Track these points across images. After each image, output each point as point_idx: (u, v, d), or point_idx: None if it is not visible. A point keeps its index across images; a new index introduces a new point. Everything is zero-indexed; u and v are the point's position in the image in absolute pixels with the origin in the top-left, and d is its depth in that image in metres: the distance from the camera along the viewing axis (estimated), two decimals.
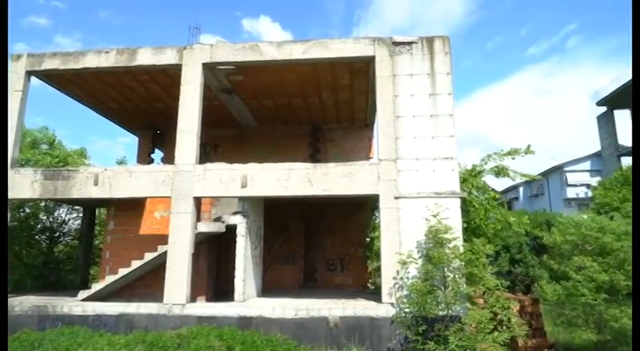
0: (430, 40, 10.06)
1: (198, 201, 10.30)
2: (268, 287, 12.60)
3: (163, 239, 10.08)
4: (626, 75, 24.50)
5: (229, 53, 10.38)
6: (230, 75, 11.35)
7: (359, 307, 9.11)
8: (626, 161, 25.96)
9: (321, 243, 14.93)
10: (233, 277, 9.99)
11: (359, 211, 14.48)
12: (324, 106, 13.86)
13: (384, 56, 9.99)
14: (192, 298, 9.84)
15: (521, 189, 40.89)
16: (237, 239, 10.13)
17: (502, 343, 7.91)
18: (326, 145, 15.66)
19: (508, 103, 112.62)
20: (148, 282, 11.11)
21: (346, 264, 14.73)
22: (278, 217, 13.62)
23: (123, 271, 10.38)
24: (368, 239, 15.00)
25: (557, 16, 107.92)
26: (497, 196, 11.84)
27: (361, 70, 11.05)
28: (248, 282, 10.32)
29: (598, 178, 27.38)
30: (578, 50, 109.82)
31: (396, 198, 9.31)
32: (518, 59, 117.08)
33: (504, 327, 8.24)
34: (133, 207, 12.28)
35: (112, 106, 13.91)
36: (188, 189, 9.84)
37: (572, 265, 9.73)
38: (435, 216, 8.71)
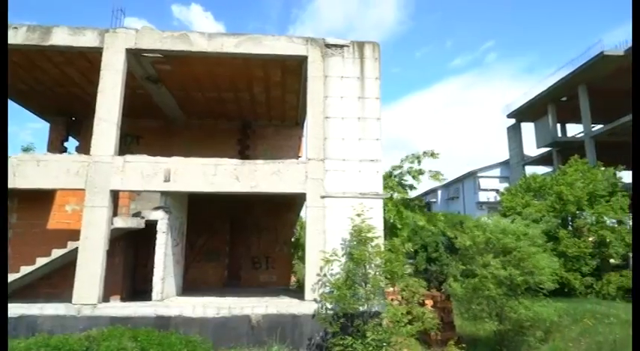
0: (361, 45, 10.37)
1: (115, 195, 9.72)
2: (190, 286, 12.22)
3: (75, 235, 9.35)
4: (533, 91, 27.08)
5: (156, 41, 9.90)
6: (156, 63, 10.83)
7: (282, 305, 9.16)
8: (530, 170, 28.69)
9: (246, 241, 14.77)
10: (152, 275, 9.56)
11: (286, 210, 14.54)
12: (255, 103, 13.73)
13: (317, 57, 10.13)
14: (105, 298, 9.25)
15: (439, 192, 43.53)
16: (158, 236, 9.70)
17: (415, 336, 8.42)
18: (256, 142, 15.52)
19: (432, 110, 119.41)
20: (56, 281, 10.25)
21: (271, 262, 14.72)
22: (203, 213, 13.25)
23: (25, 270, 9.49)
24: (294, 238, 15.14)
25: (478, 32, 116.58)
26: (406, 196, 12.52)
27: (294, 69, 11.10)
28: (168, 280, 9.93)
29: (506, 184, 29.93)
30: (495, 65, 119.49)
31: (323, 197, 9.48)
32: (443, 70, 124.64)
33: (419, 321, 8.78)
34: (40, 199, 11.24)
35: (20, 88, 12.62)
36: (105, 181, 9.24)
37: (478, 263, 10.63)
38: (359, 215, 9.01)
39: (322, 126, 9.86)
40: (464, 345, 9.88)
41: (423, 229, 17.45)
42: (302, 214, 15.44)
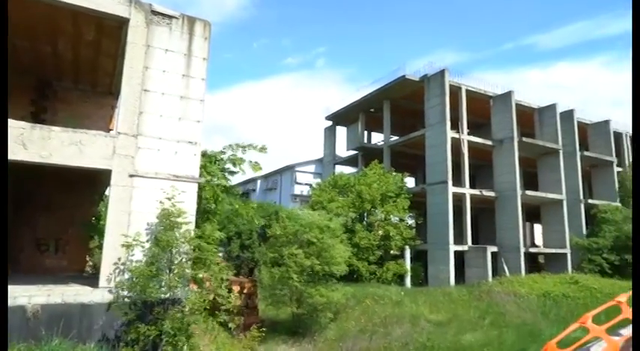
0: (192, 21, 9.88)
1: None
2: None
3: None
4: (349, 99, 30.16)
5: None
6: None
7: (69, 294, 8.11)
8: (340, 169, 31.89)
9: (32, 219, 12.57)
10: None
11: (87, 187, 12.91)
12: (60, 60, 11.78)
13: (140, 22, 9.25)
14: None
15: (258, 182, 44.76)
16: None
17: (220, 321, 8.51)
18: (56, 106, 13.33)
19: (261, 102, 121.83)
20: None
21: (62, 245, 12.89)
22: None
23: None
24: (94, 219, 13.59)
25: (312, 36, 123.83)
26: (226, 183, 12.56)
27: (112, 31, 9.90)
28: None
29: (319, 180, 32.63)
30: (323, 70, 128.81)
31: (131, 176, 8.73)
32: (276, 65, 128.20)
33: (227, 308, 8.91)
34: None
35: None
36: None
37: (286, 253, 11.42)
38: (170, 199, 8.60)
39: (139, 99, 9.05)
40: (264, 329, 10.44)
41: (239, 216, 17.73)
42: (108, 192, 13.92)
